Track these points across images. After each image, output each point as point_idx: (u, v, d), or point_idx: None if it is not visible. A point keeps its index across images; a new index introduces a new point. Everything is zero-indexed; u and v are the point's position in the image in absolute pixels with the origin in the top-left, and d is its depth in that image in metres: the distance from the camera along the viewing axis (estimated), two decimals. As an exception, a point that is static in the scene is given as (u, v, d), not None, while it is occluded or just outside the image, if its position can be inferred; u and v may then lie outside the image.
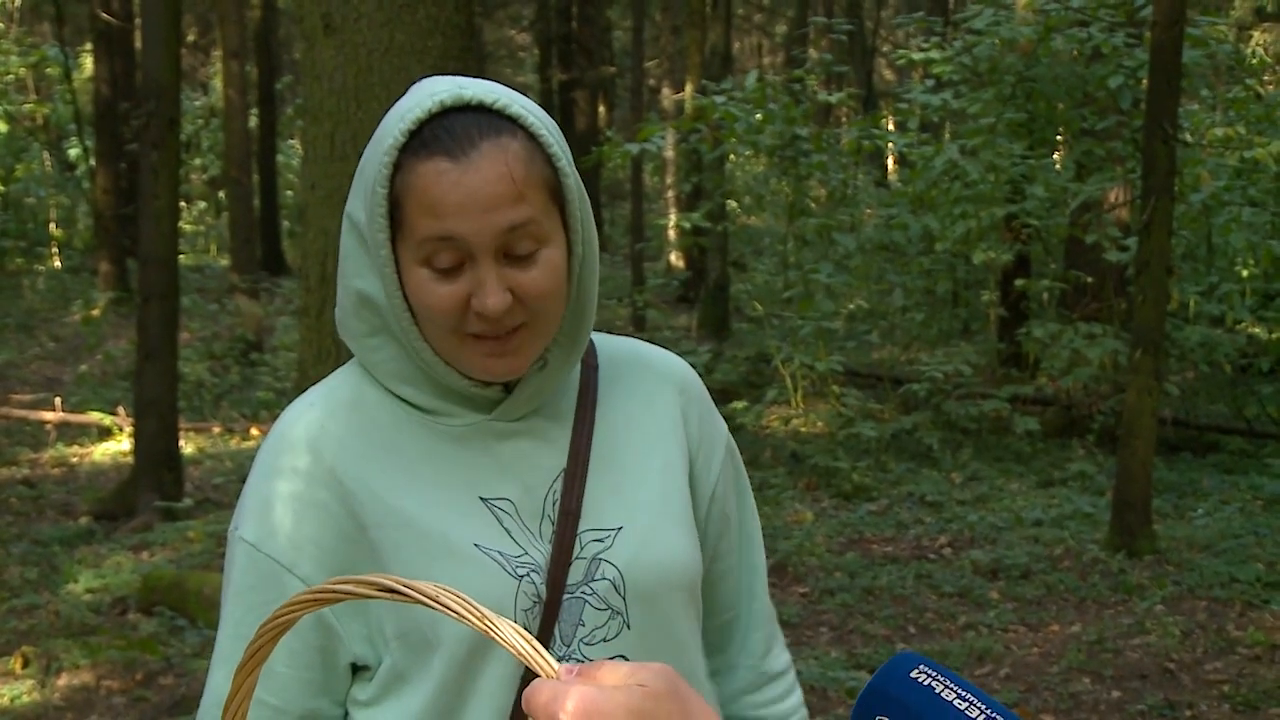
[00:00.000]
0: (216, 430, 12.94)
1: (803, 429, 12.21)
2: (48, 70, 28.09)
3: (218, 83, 24.97)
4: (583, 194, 1.72)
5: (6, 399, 14.19)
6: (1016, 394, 12.26)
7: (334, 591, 1.14)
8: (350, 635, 1.75)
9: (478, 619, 1.08)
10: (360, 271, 1.74)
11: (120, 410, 12.60)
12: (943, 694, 1.14)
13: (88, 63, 25.12)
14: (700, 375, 2.04)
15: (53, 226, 25.57)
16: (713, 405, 1.97)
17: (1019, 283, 13.54)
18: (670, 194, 23.60)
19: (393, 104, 1.76)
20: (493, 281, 1.64)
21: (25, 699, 6.51)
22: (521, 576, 1.72)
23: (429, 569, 1.70)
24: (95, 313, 18.35)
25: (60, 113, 27.92)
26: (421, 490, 1.75)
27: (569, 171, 1.69)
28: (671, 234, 22.76)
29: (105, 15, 19.77)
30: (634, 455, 1.84)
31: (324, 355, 4.80)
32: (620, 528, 1.78)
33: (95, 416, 13.00)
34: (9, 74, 27.20)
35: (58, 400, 13.54)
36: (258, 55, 23.18)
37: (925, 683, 1.15)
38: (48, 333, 18.37)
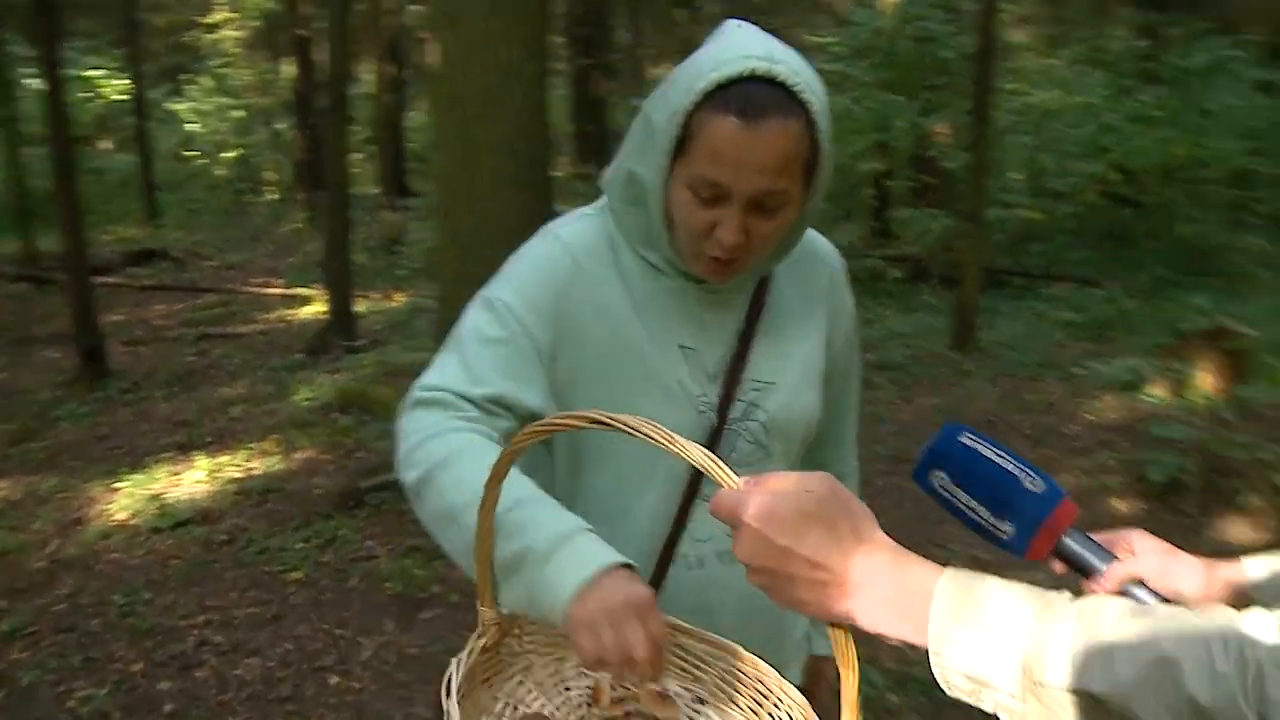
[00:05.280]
0: (375, 296, 12.76)
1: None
2: (265, 76, 28.31)
3: (369, 76, 24.41)
4: (829, 169, 1.40)
5: (247, 281, 13.97)
6: (887, 254, 12.00)
7: (558, 424, 0.99)
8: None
9: (678, 448, 0.93)
10: (639, 158, 1.42)
11: (316, 286, 12.44)
12: (983, 452, 1.01)
13: (289, 68, 24.60)
14: None
15: (269, 174, 25.48)
16: (848, 285, 1.67)
17: (888, 183, 13.18)
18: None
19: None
20: (737, 225, 1.35)
21: (278, 466, 6.45)
22: (701, 412, 1.50)
23: (640, 389, 1.47)
24: (299, 226, 18.36)
25: (273, 102, 28.15)
26: (638, 323, 1.49)
27: (827, 153, 1.37)
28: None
29: (299, 33, 19.82)
30: (792, 323, 1.58)
31: (447, 244, 4.45)
32: (774, 383, 1.54)
33: (301, 291, 12.85)
34: (242, 80, 27.92)
35: (279, 282, 13.42)
36: (393, 56, 22.72)
37: (971, 445, 1.02)
38: (269, 239, 18.15)
